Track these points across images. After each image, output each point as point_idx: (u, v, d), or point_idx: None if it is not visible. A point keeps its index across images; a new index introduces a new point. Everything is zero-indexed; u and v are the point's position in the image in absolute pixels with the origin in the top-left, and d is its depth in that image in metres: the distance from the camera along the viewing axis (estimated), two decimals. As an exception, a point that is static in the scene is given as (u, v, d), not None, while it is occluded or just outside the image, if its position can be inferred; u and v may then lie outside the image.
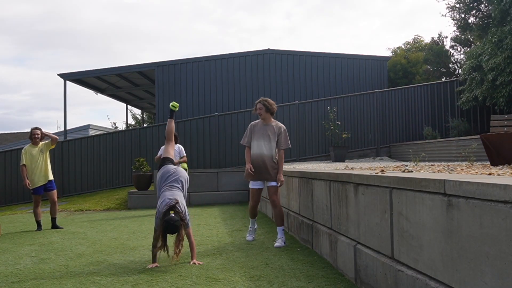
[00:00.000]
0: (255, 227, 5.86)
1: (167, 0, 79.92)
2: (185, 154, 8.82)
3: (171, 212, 4.31)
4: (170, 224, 4.23)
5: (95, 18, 78.19)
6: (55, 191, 7.74)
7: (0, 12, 77.23)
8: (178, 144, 8.78)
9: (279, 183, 5.42)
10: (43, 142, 7.77)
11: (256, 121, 5.66)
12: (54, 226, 7.57)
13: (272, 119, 5.61)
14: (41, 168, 7.57)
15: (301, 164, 10.48)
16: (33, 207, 7.63)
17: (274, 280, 3.80)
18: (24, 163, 7.51)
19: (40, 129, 7.72)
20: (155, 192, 8.96)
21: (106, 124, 39.11)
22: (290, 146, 5.65)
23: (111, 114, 78.52)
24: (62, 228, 7.56)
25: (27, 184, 7.45)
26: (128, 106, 23.45)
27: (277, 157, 5.46)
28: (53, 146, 7.84)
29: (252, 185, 5.56)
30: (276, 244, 5.25)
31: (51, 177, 7.71)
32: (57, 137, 7.98)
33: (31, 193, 7.68)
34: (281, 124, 5.61)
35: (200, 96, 15.39)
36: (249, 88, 15.38)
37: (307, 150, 12.77)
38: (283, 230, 5.40)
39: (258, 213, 5.81)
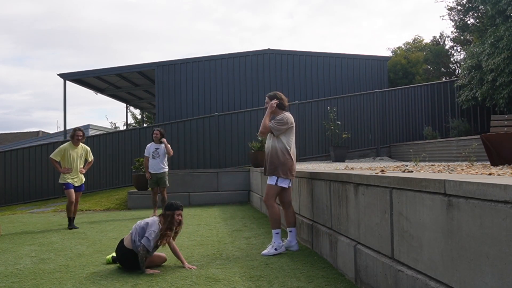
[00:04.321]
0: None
1: (167, -1, 79.95)
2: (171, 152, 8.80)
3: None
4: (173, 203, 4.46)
5: (95, 18, 78.23)
6: (80, 193, 7.82)
7: (0, 11, 77.22)
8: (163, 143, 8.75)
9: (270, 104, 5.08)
10: (84, 147, 7.79)
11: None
12: (71, 225, 7.57)
13: (284, 112, 5.20)
14: (77, 170, 7.61)
15: (301, 164, 10.48)
16: (67, 203, 7.54)
17: (274, 280, 3.80)
18: (55, 158, 7.48)
19: (82, 131, 7.72)
20: (155, 192, 8.96)
21: (106, 124, 39.12)
22: (274, 127, 4.95)
23: (111, 114, 78.66)
24: (77, 227, 7.54)
25: (66, 171, 7.44)
26: (128, 106, 23.46)
27: (282, 153, 4.96)
28: (90, 161, 7.91)
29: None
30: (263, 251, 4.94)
31: (84, 180, 7.79)
32: (92, 161, 8.04)
33: (64, 189, 7.62)
34: (285, 113, 5.17)
35: (200, 96, 15.38)
36: (249, 88, 15.38)
37: (307, 150, 12.76)
38: (276, 233, 4.93)
39: (265, 214, 5.40)
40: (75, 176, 7.59)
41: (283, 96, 5.26)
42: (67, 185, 7.52)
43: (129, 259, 4.33)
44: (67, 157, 7.52)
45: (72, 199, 7.52)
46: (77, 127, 7.75)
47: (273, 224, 5.00)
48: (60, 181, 7.62)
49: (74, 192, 7.58)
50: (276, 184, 4.96)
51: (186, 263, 4.41)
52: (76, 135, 7.59)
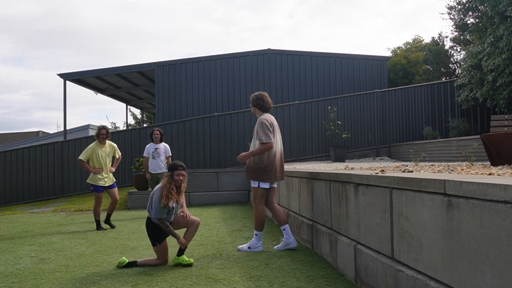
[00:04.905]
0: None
1: (167, -1, 79.95)
2: (170, 154, 8.75)
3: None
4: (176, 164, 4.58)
5: (95, 17, 78.27)
6: (116, 189, 7.69)
7: (0, 11, 77.26)
8: (164, 143, 8.75)
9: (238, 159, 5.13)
10: (111, 144, 7.71)
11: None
12: (108, 221, 7.54)
13: (264, 114, 5.17)
14: (107, 169, 7.52)
15: (301, 164, 10.48)
16: (94, 206, 7.45)
17: (274, 280, 3.80)
18: (83, 159, 7.36)
19: (106, 128, 7.64)
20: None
21: (106, 124, 39.09)
22: (264, 141, 4.90)
23: (111, 114, 78.63)
24: (114, 227, 7.49)
25: (97, 171, 7.35)
26: (128, 106, 23.46)
27: (266, 156, 5.01)
28: (118, 158, 7.87)
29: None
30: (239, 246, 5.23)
31: (114, 178, 7.69)
32: (120, 157, 7.96)
33: (91, 190, 7.53)
34: (261, 117, 5.12)
35: (200, 96, 15.39)
36: (249, 88, 15.37)
37: (307, 150, 12.77)
38: (256, 234, 5.12)
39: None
40: (106, 176, 7.49)
41: (266, 98, 5.21)
42: (97, 188, 7.39)
43: (148, 226, 4.59)
44: (96, 156, 7.41)
45: (100, 201, 7.44)
46: (100, 125, 7.71)
47: (255, 225, 5.15)
48: (88, 181, 7.47)
49: (101, 196, 7.48)
50: (258, 186, 5.09)
51: (187, 211, 4.74)
52: (100, 134, 7.49)
